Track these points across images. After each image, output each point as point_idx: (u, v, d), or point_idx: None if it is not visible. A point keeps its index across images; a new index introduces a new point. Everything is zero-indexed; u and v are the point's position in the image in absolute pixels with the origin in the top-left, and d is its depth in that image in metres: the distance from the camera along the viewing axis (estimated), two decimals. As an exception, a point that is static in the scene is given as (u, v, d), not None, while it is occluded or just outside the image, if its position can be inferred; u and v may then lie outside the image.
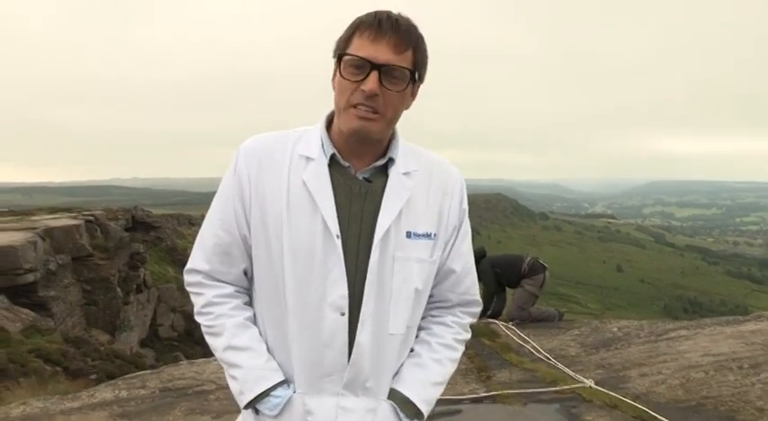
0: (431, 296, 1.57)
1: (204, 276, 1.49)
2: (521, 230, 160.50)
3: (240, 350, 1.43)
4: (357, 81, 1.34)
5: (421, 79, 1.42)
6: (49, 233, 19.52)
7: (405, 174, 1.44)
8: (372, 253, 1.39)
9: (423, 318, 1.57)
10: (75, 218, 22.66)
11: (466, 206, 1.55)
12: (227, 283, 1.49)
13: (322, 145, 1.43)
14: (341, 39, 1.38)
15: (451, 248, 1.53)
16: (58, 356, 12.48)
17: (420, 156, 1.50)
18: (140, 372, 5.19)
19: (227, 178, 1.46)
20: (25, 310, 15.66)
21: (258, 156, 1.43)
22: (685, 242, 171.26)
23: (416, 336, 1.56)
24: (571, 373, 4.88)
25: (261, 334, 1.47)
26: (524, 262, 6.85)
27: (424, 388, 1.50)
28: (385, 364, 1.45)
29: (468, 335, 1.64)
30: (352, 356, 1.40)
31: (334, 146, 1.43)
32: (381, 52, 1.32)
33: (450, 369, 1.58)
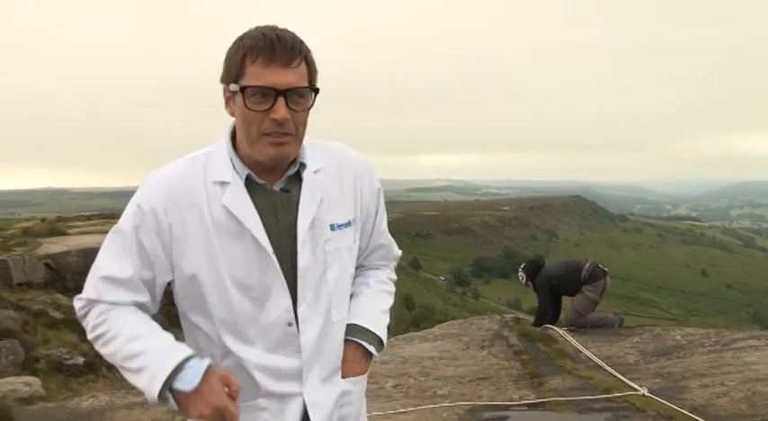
0: (362, 266, 1.67)
1: (93, 301, 1.42)
2: (600, 233, 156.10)
3: (141, 337, 1.36)
4: (264, 110, 1.33)
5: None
6: (132, 235, 20.49)
7: (315, 172, 1.47)
8: (299, 257, 1.42)
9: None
10: (156, 220, 23.64)
11: (378, 185, 1.62)
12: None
13: (233, 166, 1.42)
14: (231, 64, 1.36)
15: (374, 227, 1.61)
16: (139, 353, 13.12)
17: (325, 151, 1.53)
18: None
19: (132, 214, 1.40)
20: (110, 309, 16.51)
21: (170, 190, 1.40)
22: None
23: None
24: (626, 381, 4.76)
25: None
26: (584, 268, 6.68)
27: (377, 316, 1.60)
28: (333, 350, 1.51)
29: (394, 277, 1.74)
30: (303, 357, 1.45)
31: (246, 165, 1.42)
32: (280, 76, 1.32)
33: (389, 300, 1.67)
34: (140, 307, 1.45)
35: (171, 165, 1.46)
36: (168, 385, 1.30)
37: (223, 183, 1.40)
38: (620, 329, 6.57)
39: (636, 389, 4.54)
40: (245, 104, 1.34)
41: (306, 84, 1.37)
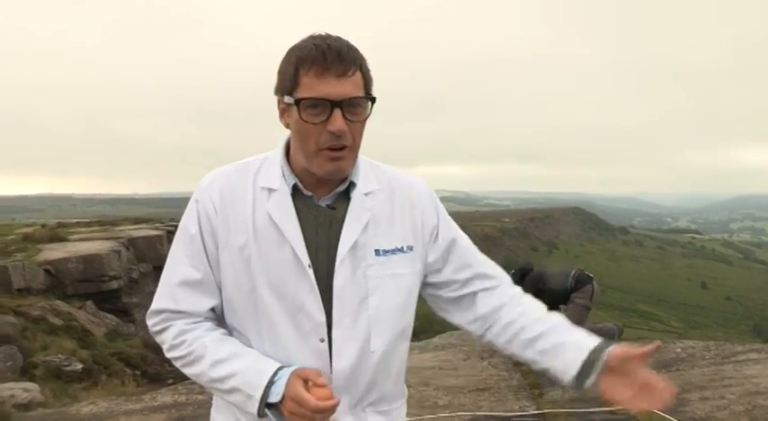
0: (471, 294, 1.53)
1: (170, 313, 1.42)
2: (600, 245, 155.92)
3: (227, 360, 1.36)
4: (320, 122, 1.31)
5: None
6: (132, 243, 20.53)
7: (366, 194, 1.43)
8: (336, 277, 1.38)
9: (476, 319, 1.53)
10: (156, 228, 23.72)
11: (444, 215, 1.54)
12: (197, 316, 1.43)
13: (283, 175, 1.41)
14: (284, 76, 1.34)
15: (451, 251, 1.51)
16: (138, 360, 13.10)
17: (381, 174, 1.49)
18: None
19: (191, 215, 1.42)
20: (109, 316, 16.49)
21: (221, 191, 1.41)
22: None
23: (493, 328, 1.51)
24: (626, 394, 4.75)
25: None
26: (569, 275, 6.67)
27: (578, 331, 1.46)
28: (366, 380, 1.44)
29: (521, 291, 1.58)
30: (333, 382, 1.39)
31: (296, 175, 1.41)
32: (335, 86, 1.29)
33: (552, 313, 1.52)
34: (214, 313, 1.44)
35: (226, 166, 1.47)
36: (264, 402, 1.31)
37: (270, 190, 1.40)
38: (619, 341, 6.55)
39: (636, 402, 4.53)
40: (300, 117, 1.32)
41: (362, 93, 1.34)
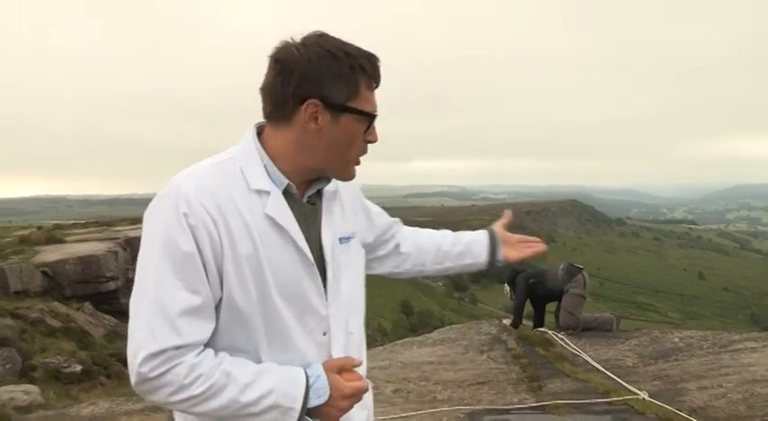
0: (384, 243, 1.76)
1: (173, 350, 1.25)
2: (597, 237, 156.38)
3: (256, 381, 1.30)
4: (363, 133, 1.38)
5: None
6: (129, 243, 20.49)
7: (330, 189, 1.49)
8: (329, 270, 1.43)
9: (384, 255, 1.78)
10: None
11: (367, 201, 1.70)
12: (199, 345, 1.30)
13: (269, 176, 1.37)
14: (342, 82, 1.31)
15: (372, 220, 1.69)
16: (138, 361, 13.11)
17: None
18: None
19: (180, 231, 1.26)
20: (107, 316, 16.47)
21: (213, 198, 1.30)
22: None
23: (401, 250, 1.79)
24: (625, 385, 4.77)
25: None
26: (559, 269, 6.75)
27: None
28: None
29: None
30: None
31: (286, 176, 1.38)
32: (375, 100, 1.38)
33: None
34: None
35: (198, 170, 1.35)
36: (305, 411, 1.32)
37: (261, 192, 1.35)
38: (618, 332, 6.58)
39: (635, 393, 4.55)
40: (360, 129, 1.37)
41: None
